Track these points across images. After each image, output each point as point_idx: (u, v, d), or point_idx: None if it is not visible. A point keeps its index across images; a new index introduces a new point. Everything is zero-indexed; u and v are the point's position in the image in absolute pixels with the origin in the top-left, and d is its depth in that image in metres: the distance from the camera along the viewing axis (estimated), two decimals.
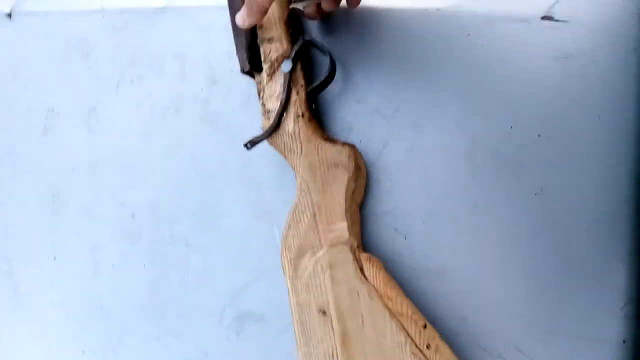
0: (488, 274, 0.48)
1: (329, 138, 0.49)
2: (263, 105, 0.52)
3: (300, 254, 0.48)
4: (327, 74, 0.51)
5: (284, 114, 0.50)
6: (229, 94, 0.59)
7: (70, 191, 0.66)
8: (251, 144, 0.50)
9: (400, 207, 0.51)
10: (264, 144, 0.53)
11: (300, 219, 0.48)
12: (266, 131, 0.49)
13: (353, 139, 0.52)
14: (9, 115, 0.69)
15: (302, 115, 0.49)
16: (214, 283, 0.57)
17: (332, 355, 0.45)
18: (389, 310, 0.44)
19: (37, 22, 0.73)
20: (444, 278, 0.49)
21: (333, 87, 0.53)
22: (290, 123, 0.49)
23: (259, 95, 0.53)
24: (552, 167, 0.47)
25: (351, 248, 0.46)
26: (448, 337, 0.46)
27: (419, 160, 0.51)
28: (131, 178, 0.61)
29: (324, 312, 0.46)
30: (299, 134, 0.49)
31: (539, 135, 0.47)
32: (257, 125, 0.57)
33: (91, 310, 0.62)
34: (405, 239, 0.50)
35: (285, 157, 0.50)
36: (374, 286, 0.45)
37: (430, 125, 0.51)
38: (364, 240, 0.50)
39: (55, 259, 0.66)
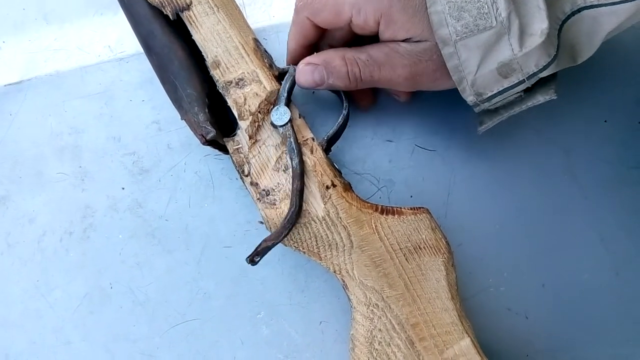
0: None
1: (386, 208, 0.30)
2: (254, 185, 0.31)
3: None
4: (344, 113, 0.32)
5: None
6: (175, 184, 0.37)
7: None
8: (259, 254, 0.29)
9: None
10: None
11: (388, 356, 0.28)
12: (283, 226, 0.29)
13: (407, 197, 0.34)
14: None
15: (333, 185, 0.30)
16: None
17: None
18: None
19: None
20: None
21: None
22: (317, 205, 0.30)
23: (240, 172, 0.32)
24: None
25: None
26: None
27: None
28: None
29: None
30: (338, 215, 0.29)
31: None
32: (238, 217, 0.36)
33: None
34: (527, 318, 0.33)
35: (319, 259, 0.30)
36: None
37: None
38: None
39: None
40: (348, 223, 0.29)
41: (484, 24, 0.26)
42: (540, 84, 0.29)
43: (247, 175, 0.32)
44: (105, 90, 0.39)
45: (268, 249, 0.29)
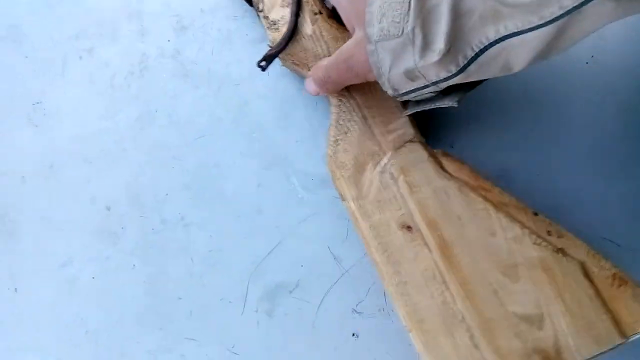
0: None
1: None
2: (265, 18, 0.43)
3: (359, 169, 0.39)
4: None
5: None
6: (204, 38, 0.50)
7: (23, 206, 0.53)
8: (266, 60, 0.41)
9: None
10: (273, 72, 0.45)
11: (348, 128, 0.39)
12: (283, 38, 0.41)
13: None
14: None
15: (320, 13, 0.42)
16: (227, 263, 0.46)
17: (434, 274, 0.36)
18: (491, 202, 0.36)
19: None
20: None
21: None
22: (307, 26, 0.42)
23: (256, 8, 0.44)
24: None
25: (421, 144, 0.38)
26: None
27: None
28: (97, 167, 0.50)
29: (408, 228, 0.37)
30: (322, 33, 0.41)
31: None
32: (246, 64, 0.48)
33: (74, 340, 0.49)
34: None
35: (307, 70, 0.42)
36: (462, 180, 0.37)
37: None
38: None
39: (16, 290, 0.52)
40: (328, 39, 0.41)
41: (394, 32, 0.29)
42: (455, 89, 0.32)
43: (261, 11, 0.44)
44: None
45: (273, 56, 0.41)
